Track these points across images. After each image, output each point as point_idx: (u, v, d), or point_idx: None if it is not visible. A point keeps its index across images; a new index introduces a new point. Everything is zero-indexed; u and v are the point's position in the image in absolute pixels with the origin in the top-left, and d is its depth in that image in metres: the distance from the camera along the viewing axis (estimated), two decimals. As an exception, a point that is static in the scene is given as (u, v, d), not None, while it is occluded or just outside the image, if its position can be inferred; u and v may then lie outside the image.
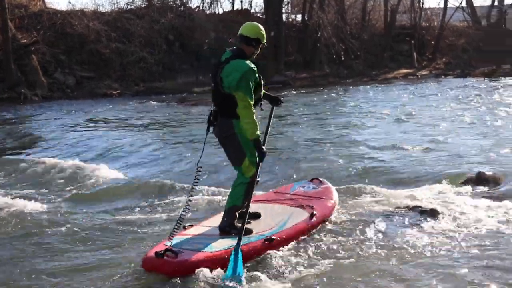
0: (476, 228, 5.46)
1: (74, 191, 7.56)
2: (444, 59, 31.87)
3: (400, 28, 32.82)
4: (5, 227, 5.77)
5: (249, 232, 4.87)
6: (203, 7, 30.46)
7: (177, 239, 4.62)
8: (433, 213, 5.83)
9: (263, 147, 4.93)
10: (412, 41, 31.47)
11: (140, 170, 9.13)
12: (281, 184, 7.28)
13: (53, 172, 8.62)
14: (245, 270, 4.38)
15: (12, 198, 6.95)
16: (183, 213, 4.80)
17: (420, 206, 6.07)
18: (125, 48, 24.68)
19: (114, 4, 28.13)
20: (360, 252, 4.90)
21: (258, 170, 5.01)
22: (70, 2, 29.10)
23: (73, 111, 17.29)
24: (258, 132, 4.84)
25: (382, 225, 5.60)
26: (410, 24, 33.24)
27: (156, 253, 4.37)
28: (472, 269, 4.50)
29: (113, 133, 12.62)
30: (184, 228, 5.00)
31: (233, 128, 4.89)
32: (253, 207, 5.17)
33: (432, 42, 32.50)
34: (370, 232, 5.40)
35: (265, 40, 5.06)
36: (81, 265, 4.75)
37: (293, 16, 32.94)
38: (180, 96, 21.13)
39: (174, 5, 28.50)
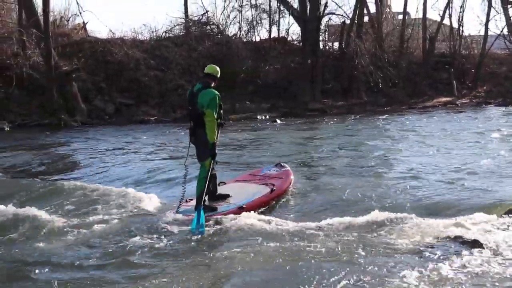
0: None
1: (113, 214, 7.49)
2: (485, 87, 31.26)
3: (439, 56, 32.46)
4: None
5: (214, 209, 7.21)
6: (240, 34, 30.81)
7: (182, 208, 7.20)
8: (475, 244, 5.57)
9: (215, 150, 7.17)
10: (452, 69, 31.04)
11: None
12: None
13: (89, 196, 8.57)
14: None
15: (48, 218, 6.96)
16: (182, 194, 7.28)
17: (461, 237, 5.81)
18: (163, 75, 25.04)
19: (153, 32, 28.73)
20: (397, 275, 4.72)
21: (214, 166, 7.30)
22: (111, 30, 29.65)
23: (111, 137, 17.52)
24: (215, 138, 7.12)
25: (422, 255, 5.38)
26: (449, 52, 32.83)
27: None
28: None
29: (150, 158, 12.67)
30: (186, 201, 7.41)
31: (205, 136, 7.09)
32: (229, 187, 8.15)
33: (473, 70, 31.96)
34: (412, 261, 5.20)
35: (219, 75, 7.46)
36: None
37: (330, 44, 32.99)
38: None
39: (212, 33, 28.88)
